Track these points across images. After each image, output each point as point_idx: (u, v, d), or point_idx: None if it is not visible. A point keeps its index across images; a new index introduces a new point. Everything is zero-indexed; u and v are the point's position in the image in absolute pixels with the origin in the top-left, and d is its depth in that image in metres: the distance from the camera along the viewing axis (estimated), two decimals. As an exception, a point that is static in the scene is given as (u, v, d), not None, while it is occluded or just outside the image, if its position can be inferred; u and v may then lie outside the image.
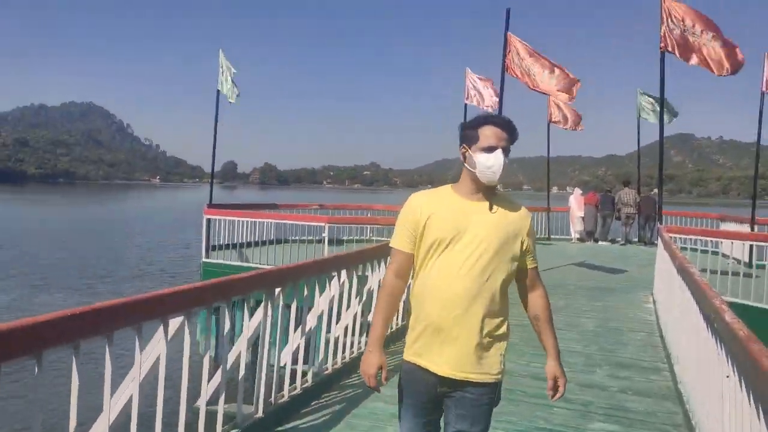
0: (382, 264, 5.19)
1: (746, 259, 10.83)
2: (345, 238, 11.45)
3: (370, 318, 4.36)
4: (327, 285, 4.29)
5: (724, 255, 11.26)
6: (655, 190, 16.13)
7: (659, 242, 8.14)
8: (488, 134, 2.01)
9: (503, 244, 2.00)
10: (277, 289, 3.54)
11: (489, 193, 2.06)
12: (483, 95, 13.41)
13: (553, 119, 16.56)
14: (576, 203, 16.57)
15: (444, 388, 2.00)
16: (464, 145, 2.06)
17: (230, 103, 11.32)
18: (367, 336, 4.67)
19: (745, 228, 12.17)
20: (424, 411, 2.05)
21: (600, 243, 16.13)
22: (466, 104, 13.56)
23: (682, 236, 8.07)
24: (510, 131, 2.04)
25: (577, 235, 16.49)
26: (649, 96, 16.34)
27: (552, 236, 16.75)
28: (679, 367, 4.33)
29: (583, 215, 16.36)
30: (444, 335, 1.96)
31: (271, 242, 10.13)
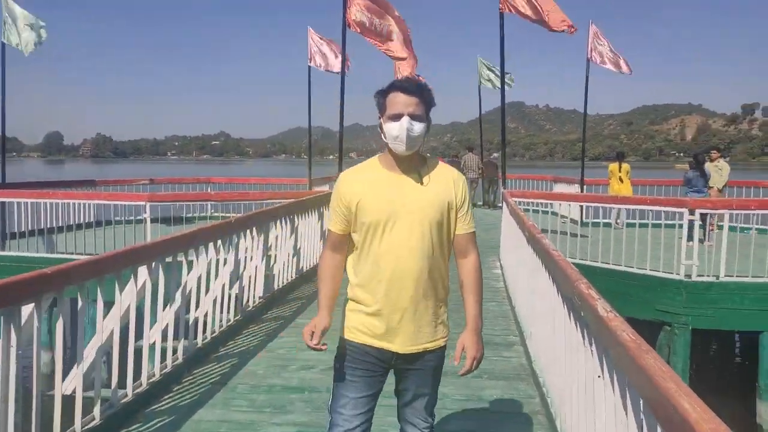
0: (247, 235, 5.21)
1: (577, 218, 11.67)
2: (186, 215, 10.20)
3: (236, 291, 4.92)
4: (195, 261, 4.35)
5: (560, 215, 12.04)
6: (495, 155, 16.92)
7: (504, 207, 8.20)
8: (393, 101, 1.93)
9: (439, 215, 1.96)
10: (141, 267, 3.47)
11: (417, 162, 2.00)
12: (327, 57, 12.64)
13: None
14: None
15: (400, 362, 2.01)
16: (379, 114, 1.98)
17: (26, 54, 9.41)
18: (236, 311, 4.97)
19: (575, 188, 13.04)
20: (369, 386, 2.02)
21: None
22: (309, 67, 12.70)
23: (525, 200, 8.19)
24: (419, 93, 1.93)
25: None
26: (489, 65, 16.85)
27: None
28: (533, 344, 4.10)
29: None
30: (399, 315, 1.95)
31: (89, 226, 8.61)
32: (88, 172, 72.60)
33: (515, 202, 6.73)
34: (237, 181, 14.34)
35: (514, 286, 5.82)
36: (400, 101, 1.92)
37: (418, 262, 1.93)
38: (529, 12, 8.42)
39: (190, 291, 4.21)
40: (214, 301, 4.58)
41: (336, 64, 12.18)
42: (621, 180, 11.96)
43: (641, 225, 7.94)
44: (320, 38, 12.78)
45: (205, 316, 4.44)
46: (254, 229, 5.33)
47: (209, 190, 14.05)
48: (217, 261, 4.62)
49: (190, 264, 4.30)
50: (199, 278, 4.35)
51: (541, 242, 3.67)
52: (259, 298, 5.63)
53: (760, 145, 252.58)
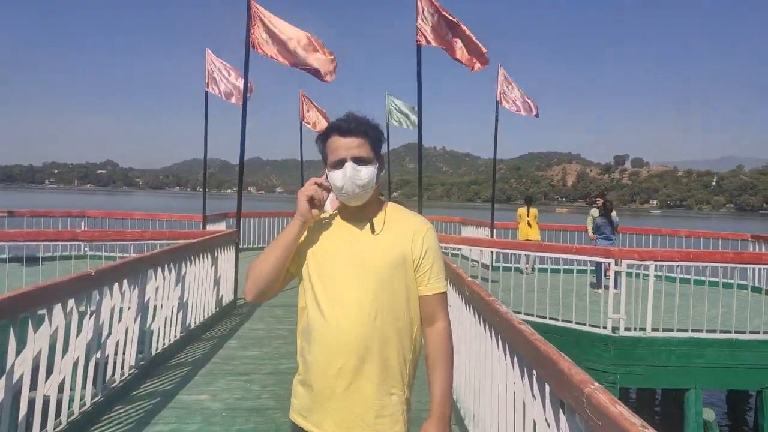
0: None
1: (486, 262, 11.39)
2: (48, 254, 8.55)
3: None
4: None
5: (471, 259, 11.70)
6: (395, 194, 16.52)
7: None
8: (333, 146, 1.66)
9: (390, 272, 1.63)
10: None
11: (371, 209, 1.71)
12: (227, 84, 11.56)
13: (304, 118, 15.62)
14: (331, 207, 15.88)
15: None
16: (323, 163, 1.71)
17: None
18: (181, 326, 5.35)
19: (486, 231, 12.83)
20: None
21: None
22: (207, 92, 11.54)
23: (443, 244, 7.60)
24: (362, 132, 1.65)
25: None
26: (397, 100, 16.57)
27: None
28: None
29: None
30: (329, 391, 1.61)
31: None
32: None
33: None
34: (117, 216, 12.53)
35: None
36: (341, 145, 1.64)
37: (356, 328, 1.59)
38: (443, 44, 8.05)
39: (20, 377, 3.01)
40: (61, 385, 3.39)
41: (236, 95, 11.16)
42: (529, 224, 11.89)
43: (552, 270, 7.64)
44: (220, 63, 11.71)
45: (51, 400, 3.27)
46: (124, 281, 4.18)
47: (83, 226, 12.24)
48: (69, 326, 3.45)
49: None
50: (38, 354, 3.16)
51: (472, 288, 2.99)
52: (131, 368, 4.43)
53: (630, 193, 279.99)
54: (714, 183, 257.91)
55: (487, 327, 2.92)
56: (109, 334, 4.08)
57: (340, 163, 1.63)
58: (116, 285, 4.06)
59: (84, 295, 3.54)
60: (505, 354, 2.50)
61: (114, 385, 4.13)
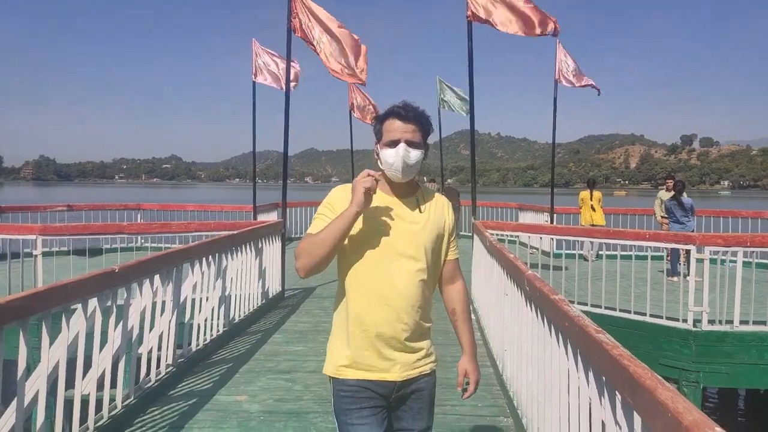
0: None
1: (546, 248, 10.72)
2: (108, 246, 8.64)
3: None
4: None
5: (530, 246, 11.06)
6: (449, 181, 15.92)
7: (476, 240, 7.09)
8: (390, 127, 1.88)
9: (433, 242, 1.94)
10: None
11: (413, 188, 1.98)
12: (278, 74, 11.35)
13: (354, 108, 15.23)
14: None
15: (401, 391, 1.92)
16: (376, 141, 1.95)
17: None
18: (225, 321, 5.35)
19: (545, 217, 12.13)
20: (379, 424, 1.89)
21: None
22: (254, 83, 11.38)
23: (501, 232, 7.07)
24: (416, 120, 1.88)
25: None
26: (449, 86, 15.97)
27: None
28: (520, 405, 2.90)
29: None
30: (395, 342, 1.87)
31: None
32: (27, 196, 68.15)
33: (493, 236, 5.58)
34: (171, 208, 12.67)
35: (494, 331, 4.63)
36: (397, 128, 1.87)
37: (414, 289, 1.87)
38: (501, 17, 7.43)
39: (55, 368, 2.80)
40: (101, 377, 3.19)
41: (282, 81, 10.94)
42: (593, 208, 11.12)
43: (621, 257, 6.91)
44: (266, 51, 11.51)
45: (86, 399, 3.08)
46: (156, 277, 3.95)
47: (138, 218, 12.44)
48: (92, 327, 3.24)
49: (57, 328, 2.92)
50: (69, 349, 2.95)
51: (554, 302, 2.51)
52: (168, 366, 4.23)
53: (698, 174, 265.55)
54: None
55: (552, 330, 2.46)
56: (141, 331, 3.87)
57: (394, 143, 1.85)
58: (147, 281, 3.84)
59: (108, 292, 3.31)
60: (577, 366, 2.04)
61: (149, 385, 3.92)
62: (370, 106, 15.17)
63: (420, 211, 1.92)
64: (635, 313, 5.95)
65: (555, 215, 11.55)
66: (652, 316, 5.81)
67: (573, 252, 9.53)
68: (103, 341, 3.38)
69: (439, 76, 15.82)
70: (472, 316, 6.43)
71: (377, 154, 1.91)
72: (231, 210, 12.52)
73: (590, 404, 1.94)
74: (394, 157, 1.83)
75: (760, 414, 5.63)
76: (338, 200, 1.89)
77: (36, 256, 5.98)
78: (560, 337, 2.32)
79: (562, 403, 2.34)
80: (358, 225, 1.84)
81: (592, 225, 11.08)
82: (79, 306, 3.07)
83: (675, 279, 8.39)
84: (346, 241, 1.85)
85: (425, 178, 16.16)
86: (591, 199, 11.09)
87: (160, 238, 9.84)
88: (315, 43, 7.76)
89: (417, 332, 1.90)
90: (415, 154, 1.85)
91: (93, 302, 3.23)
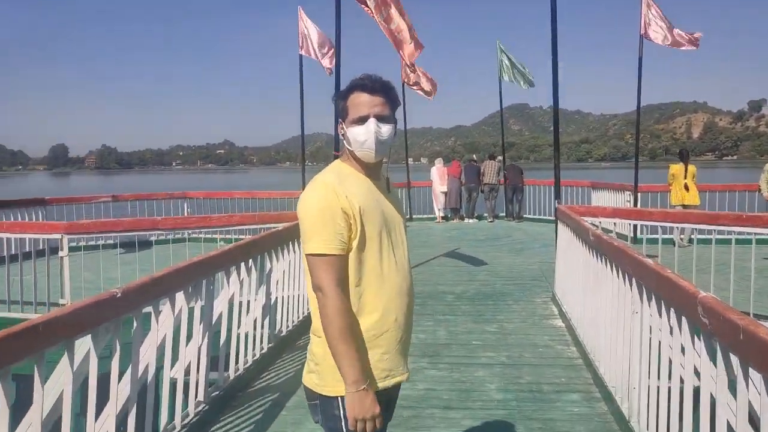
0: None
1: (624, 231, 9.45)
2: (162, 238, 8.04)
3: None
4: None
5: (599, 226, 9.78)
6: (499, 158, 14.60)
7: (561, 229, 5.99)
8: (356, 102, 1.73)
9: (404, 227, 1.87)
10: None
11: (380, 168, 1.85)
12: (324, 45, 10.39)
13: (410, 82, 14.04)
14: (438, 176, 14.48)
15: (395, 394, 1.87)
16: (340, 120, 1.78)
17: None
18: (269, 334, 4.52)
19: (624, 196, 10.78)
20: None
21: (467, 221, 14.26)
22: (301, 56, 10.46)
23: (595, 219, 5.88)
24: (384, 93, 1.75)
25: (441, 213, 14.49)
26: (509, 55, 14.59)
27: (414, 215, 14.56)
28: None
29: (446, 190, 14.32)
30: (405, 339, 1.79)
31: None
32: (91, 185, 70.76)
33: (595, 226, 4.43)
34: (217, 196, 12.09)
35: (597, 343, 3.52)
36: (364, 102, 1.71)
37: (408, 278, 1.81)
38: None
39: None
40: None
41: (329, 56, 9.98)
42: (686, 187, 9.67)
43: (718, 242, 5.54)
44: (312, 23, 10.55)
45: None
46: (180, 294, 3.09)
47: (185, 207, 11.89)
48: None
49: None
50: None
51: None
52: (199, 404, 3.40)
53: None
54: None
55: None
56: (159, 368, 3.04)
57: (362, 120, 1.70)
58: (167, 303, 2.99)
59: (108, 325, 2.46)
60: None
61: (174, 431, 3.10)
62: (425, 80, 14.00)
63: (390, 192, 1.85)
64: (755, 315, 4.71)
65: (640, 194, 10.17)
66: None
67: (656, 236, 8.08)
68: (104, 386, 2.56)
69: (499, 41, 14.46)
70: (560, 323, 5.41)
71: (343, 135, 1.75)
72: (279, 197, 11.79)
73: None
74: (366, 134, 1.69)
75: None
76: (341, 194, 1.65)
77: (62, 258, 5.32)
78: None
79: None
80: (365, 207, 1.68)
81: (683, 206, 9.69)
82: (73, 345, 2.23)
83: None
84: (358, 226, 1.66)
85: (485, 155, 14.94)
86: (685, 176, 9.65)
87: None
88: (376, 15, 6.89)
89: (411, 326, 1.86)
90: (386, 129, 1.73)
91: (86, 341, 2.40)
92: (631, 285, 3.16)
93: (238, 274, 4.03)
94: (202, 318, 3.44)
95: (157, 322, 2.91)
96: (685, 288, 2.24)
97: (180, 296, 3.13)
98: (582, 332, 4.65)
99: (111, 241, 8.67)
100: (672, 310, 2.45)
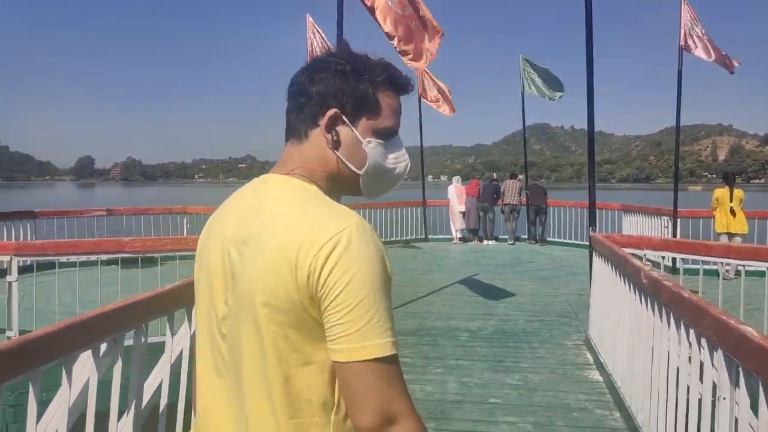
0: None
1: (656, 259, 8.45)
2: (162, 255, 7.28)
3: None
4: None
5: (645, 259, 8.79)
6: (520, 177, 13.68)
7: (597, 263, 5.08)
8: (390, 104, 1.02)
9: None
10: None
11: None
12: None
13: (427, 97, 13.22)
14: (456, 195, 13.60)
15: None
16: (338, 110, 0.99)
17: None
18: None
19: (660, 221, 9.78)
20: None
21: (485, 243, 13.33)
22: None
23: (639, 251, 4.96)
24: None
25: (459, 234, 13.58)
26: (533, 67, 13.75)
27: (429, 236, 13.69)
28: None
29: (464, 210, 13.44)
30: None
31: None
32: (115, 196, 71.16)
33: (646, 264, 3.52)
34: (208, 211, 11.38)
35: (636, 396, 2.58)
36: (397, 110, 1.03)
37: None
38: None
39: None
40: None
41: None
42: (733, 212, 8.66)
43: None
44: (318, 31, 9.84)
45: None
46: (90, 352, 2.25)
47: (185, 222, 11.19)
48: None
49: None
50: None
51: None
52: None
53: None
54: None
55: None
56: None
57: (393, 133, 1.03)
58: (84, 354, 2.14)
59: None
60: None
61: None
62: (441, 97, 13.19)
63: None
64: None
65: (679, 220, 9.17)
66: None
67: (696, 267, 7.05)
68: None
69: (523, 55, 13.63)
70: (598, 377, 4.48)
71: (339, 139, 0.99)
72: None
73: None
74: (405, 166, 1.06)
75: None
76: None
77: (10, 283, 4.55)
78: None
79: None
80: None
81: (728, 233, 8.68)
82: None
83: None
84: None
85: (505, 174, 14.08)
86: (731, 200, 8.64)
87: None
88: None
89: None
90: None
91: None
92: (712, 357, 2.25)
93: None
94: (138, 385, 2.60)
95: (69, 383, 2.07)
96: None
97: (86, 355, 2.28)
98: (628, 394, 3.72)
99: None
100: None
